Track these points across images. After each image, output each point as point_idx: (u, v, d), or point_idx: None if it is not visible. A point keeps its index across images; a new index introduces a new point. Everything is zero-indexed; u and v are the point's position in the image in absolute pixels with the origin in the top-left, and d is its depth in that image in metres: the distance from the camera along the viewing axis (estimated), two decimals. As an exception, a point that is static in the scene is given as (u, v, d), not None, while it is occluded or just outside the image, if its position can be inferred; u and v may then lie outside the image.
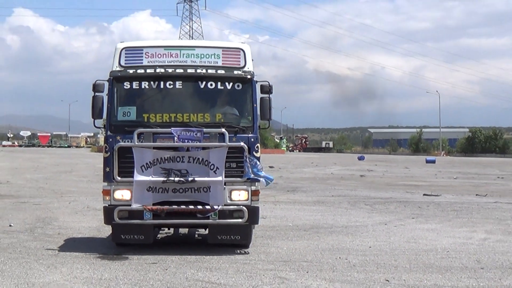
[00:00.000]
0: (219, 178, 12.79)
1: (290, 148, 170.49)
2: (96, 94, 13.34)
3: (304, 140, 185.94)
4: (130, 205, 12.89)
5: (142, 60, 13.63)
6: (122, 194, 12.99)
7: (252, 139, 13.19)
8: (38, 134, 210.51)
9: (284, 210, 21.14)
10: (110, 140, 13.09)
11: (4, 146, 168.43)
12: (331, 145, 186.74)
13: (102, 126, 13.85)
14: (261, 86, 13.69)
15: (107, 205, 13.08)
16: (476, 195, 28.61)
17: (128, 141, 12.95)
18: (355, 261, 12.33)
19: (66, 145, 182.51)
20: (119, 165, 12.93)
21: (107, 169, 13.05)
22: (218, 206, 12.83)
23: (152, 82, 13.51)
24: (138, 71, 13.45)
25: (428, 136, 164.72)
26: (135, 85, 13.49)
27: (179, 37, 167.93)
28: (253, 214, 13.08)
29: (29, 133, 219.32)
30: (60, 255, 12.65)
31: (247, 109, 13.58)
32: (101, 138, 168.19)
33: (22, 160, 65.31)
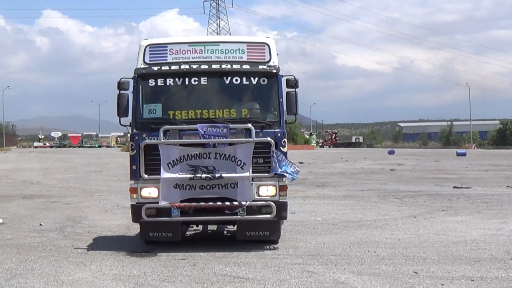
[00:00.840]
0: (246, 174, 12.65)
1: (320, 144, 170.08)
2: (121, 92, 13.26)
3: (334, 135, 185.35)
4: (157, 203, 12.81)
5: (166, 56, 13.57)
6: (150, 192, 12.91)
7: (279, 134, 13.01)
8: (69, 134, 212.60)
9: (313, 205, 21.13)
10: (136, 138, 13.00)
11: (35, 147, 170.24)
12: (361, 140, 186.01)
13: (128, 124, 13.48)
14: (287, 81, 13.45)
15: (134, 203, 13.02)
16: (507, 186, 28.37)
17: (154, 139, 12.82)
18: (383, 254, 12.30)
19: (97, 145, 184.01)
20: (146, 162, 12.83)
21: (134, 167, 12.99)
22: (246, 202, 12.71)
23: (177, 79, 13.41)
24: (163, 68, 13.37)
25: (459, 129, 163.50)
26: (160, 82, 13.40)
27: (206, 35, 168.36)
28: (282, 209, 12.92)
29: (60, 134, 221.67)
30: (89, 253, 12.74)
31: (273, 104, 13.40)
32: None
33: (53, 160, 65.90)
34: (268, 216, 12.78)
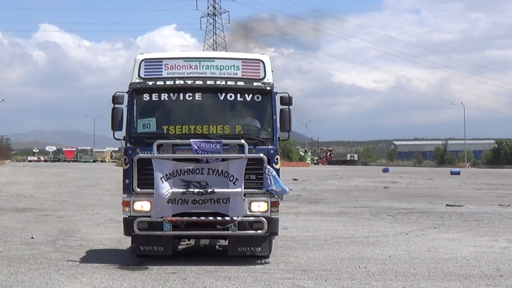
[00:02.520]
0: (239, 190, 12.73)
1: (315, 161, 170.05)
2: (116, 106, 13.28)
3: (329, 153, 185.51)
4: (149, 217, 12.86)
5: (161, 71, 13.62)
6: (142, 206, 12.96)
7: (272, 151, 13.11)
8: (64, 149, 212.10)
9: (305, 221, 21.15)
10: (130, 152, 13.07)
11: (30, 161, 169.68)
12: (356, 157, 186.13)
13: (122, 138, 13.48)
14: (281, 98, 13.55)
15: (126, 216, 13.06)
16: (500, 205, 28.43)
17: (147, 153, 12.88)
18: (374, 270, 12.33)
19: (91, 160, 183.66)
20: (139, 176, 12.88)
21: (127, 181, 13.04)
22: (238, 217, 12.79)
23: (171, 94, 13.42)
24: (158, 82, 13.39)
25: (454, 148, 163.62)
26: (154, 97, 13.41)
27: (203, 51, 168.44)
28: (273, 225, 13.03)
29: (54, 148, 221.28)
30: (80, 266, 12.74)
31: (267, 121, 13.48)
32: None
33: (47, 174, 65.81)
34: (260, 232, 12.86)
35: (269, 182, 12.79)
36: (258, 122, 13.64)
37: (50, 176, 61.93)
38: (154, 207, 12.82)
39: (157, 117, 13.49)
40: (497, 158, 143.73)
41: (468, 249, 15.13)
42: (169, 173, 12.76)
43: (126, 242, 15.42)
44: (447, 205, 27.92)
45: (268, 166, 12.87)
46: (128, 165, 13.03)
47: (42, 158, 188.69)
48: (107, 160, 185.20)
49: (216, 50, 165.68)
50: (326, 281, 11.32)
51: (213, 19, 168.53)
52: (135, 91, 13.43)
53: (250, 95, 13.47)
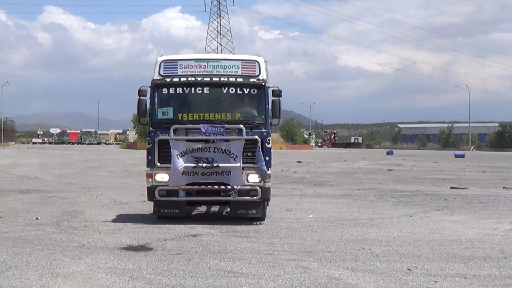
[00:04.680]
0: (238, 164, 15.74)
1: (319, 144, 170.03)
2: (141, 97, 16.46)
3: (333, 135, 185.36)
4: (167, 186, 15.96)
5: (177, 70, 16.72)
6: (162, 177, 16.07)
7: (265, 133, 16.16)
8: (68, 131, 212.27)
9: (310, 203, 21.17)
10: (152, 134, 16.23)
11: (34, 143, 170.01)
12: (360, 140, 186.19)
13: (146, 123, 16.80)
14: (272, 91, 16.68)
15: (150, 186, 16.23)
16: (504, 187, 28.42)
17: (166, 135, 15.95)
18: (378, 252, 12.34)
19: (96, 142, 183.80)
20: (159, 154, 16.01)
21: (150, 158, 16.21)
22: (237, 186, 15.81)
23: (185, 88, 16.57)
24: (174, 79, 16.52)
25: (458, 131, 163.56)
26: (171, 90, 16.56)
27: (207, 33, 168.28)
28: (266, 192, 16.09)
29: (58, 130, 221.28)
30: (85, 247, 12.77)
31: (261, 110, 16.50)
32: (130, 135, 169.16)
33: (51, 156, 66.00)
34: (255, 197, 15.99)
35: (262, 158, 15.69)
36: (254, 110, 16.63)
37: (55, 158, 62.10)
38: (171, 178, 15.89)
39: (174, 106, 16.59)
40: (502, 141, 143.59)
41: (472, 231, 15.13)
42: (183, 151, 15.80)
43: (130, 224, 15.77)
44: (451, 187, 27.94)
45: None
46: (151, 144, 16.17)
47: (46, 140, 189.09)
48: (111, 142, 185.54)
49: (220, 33, 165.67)
50: (330, 262, 11.33)
51: (218, 1, 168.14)
52: (156, 86, 16.52)
53: (248, 89, 16.57)
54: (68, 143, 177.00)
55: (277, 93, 16.62)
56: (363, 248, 12.72)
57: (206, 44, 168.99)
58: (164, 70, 16.68)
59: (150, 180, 16.22)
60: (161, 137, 15.94)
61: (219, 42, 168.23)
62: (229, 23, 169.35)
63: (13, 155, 69.68)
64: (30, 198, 22.35)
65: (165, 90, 16.52)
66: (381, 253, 12.18)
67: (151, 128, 16.33)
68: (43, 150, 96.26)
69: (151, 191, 16.15)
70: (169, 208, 16.13)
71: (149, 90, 16.49)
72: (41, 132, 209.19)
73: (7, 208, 19.39)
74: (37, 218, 16.92)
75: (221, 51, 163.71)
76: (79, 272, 10.49)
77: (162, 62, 16.79)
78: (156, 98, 16.50)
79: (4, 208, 19.24)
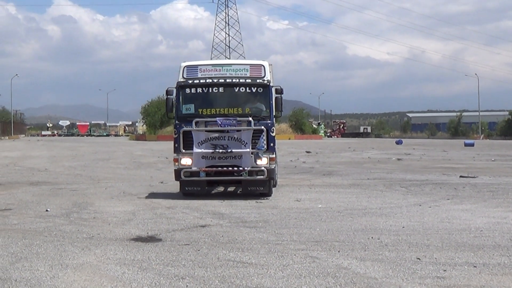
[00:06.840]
0: (248, 150, 19.06)
1: (328, 134, 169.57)
2: (168, 96, 20.02)
3: (342, 125, 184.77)
4: (191, 168, 19.31)
5: (197, 73, 20.24)
6: (186, 161, 19.41)
7: (269, 124, 19.54)
8: (77, 123, 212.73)
9: (318, 193, 21.16)
10: (178, 126, 19.65)
11: (43, 135, 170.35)
12: (369, 130, 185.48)
13: (173, 118, 20.19)
14: (275, 89, 19.91)
15: (176, 168, 19.54)
16: (514, 176, 28.29)
17: (189, 127, 19.37)
18: (387, 241, 12.33)
19: (105, 134, 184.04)
20: (184, 142, 19.40)
21: (176, 145, 19.54)
22: (248, 167, 19.11)
23: (204, 88, 19.93)
24: (195, 81, 19.95)
25: (468, 119, 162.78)
26: (193, 90, 19.95)
27: (215, 24, 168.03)
28: (271, 173, 19.37)
29: (68, 122, 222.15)
30: (94, 238, 12.81)
31: (266, 105, 19.82)
32: (139, 127, 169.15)
33: (61, 148, 66.13)
34: (262, 177, 19.22)
35: (262, 144, 19.01)
36: (260, 106, 19.87)
37: (64, 150, 62.22)
38: (194, 161, 19.27)
39: (195, 103, 20.01)
40: (511, 129, 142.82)
41: (482, 220, 15.09)
42: (203, 140, 19.16)
43: (139, 215, 15.80)
44: (460, 176, 27.85)
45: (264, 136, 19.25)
46: (177, 135, 19.58)
47: (56, 133, 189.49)
48: (120, 134, 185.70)
49: (228, 23, 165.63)
50: (339, 252, 11.32)
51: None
52: (180, 87, 19.95)
53: (255, 88, 19.93)
54: (78, 135, 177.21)
55: (279, 91, 19.81)
56: (372, 237, 12.70)
57: (214, 35, 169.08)
58: (187, 74, 20.17)
59: (176, 163, 19.55)
60: (185, 128, 19.39)
61: (227, 32, 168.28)
62: (237, 13, 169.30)
63: (23, 148, 69.84)
64: (40, 190, 22.43)
65: (188, 90, 19.89)
66: (390, 242, 12.16)
67: (176, 121, 19.79)
68: (53, 142, 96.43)
69: (177, 173, 19.50)
70: (192, 186, 19.55)
71: (174, 90, 19.90)
72: (51, 125, 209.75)
73: (17, 200, 19.47)
74: (46, 210, 16.97)
75: (229, 41, 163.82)
76: (88, 263, 10.51)
77: (185, 67, 20.32)
78: (180, 97, 19.87)
79: (14, 200, 19.33)
